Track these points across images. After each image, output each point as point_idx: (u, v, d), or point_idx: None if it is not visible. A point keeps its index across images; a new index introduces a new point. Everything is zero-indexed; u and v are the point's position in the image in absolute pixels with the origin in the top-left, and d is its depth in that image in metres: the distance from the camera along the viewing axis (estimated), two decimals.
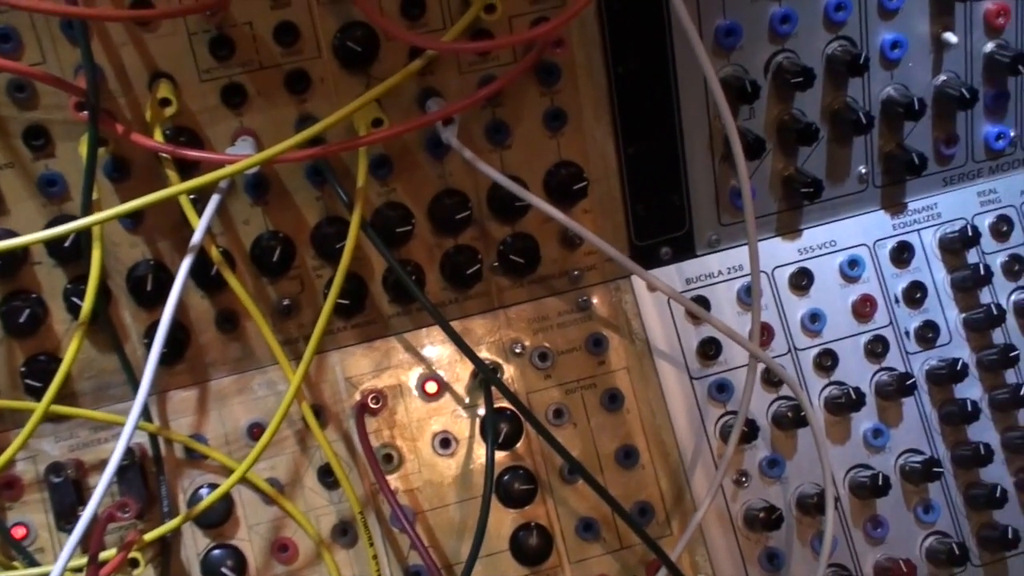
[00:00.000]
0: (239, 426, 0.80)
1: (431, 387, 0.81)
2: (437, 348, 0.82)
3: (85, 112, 0.68)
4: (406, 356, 0.82)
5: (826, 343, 0.86)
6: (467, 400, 0.82)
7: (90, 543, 0.67)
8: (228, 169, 0.69)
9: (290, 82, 0.76)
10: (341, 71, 0.76)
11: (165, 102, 0.72)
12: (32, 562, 0.75)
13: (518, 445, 0.81)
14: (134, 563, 0.72)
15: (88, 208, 0.70)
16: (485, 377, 0.78)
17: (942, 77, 0.87)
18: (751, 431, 0.81)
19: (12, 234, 0.74)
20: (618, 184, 0.83)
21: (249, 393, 0.81)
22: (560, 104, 0.81)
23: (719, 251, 0.86)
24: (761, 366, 0.81)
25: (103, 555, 0.71)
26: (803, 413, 0.80)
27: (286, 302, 0.79)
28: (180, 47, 0.74)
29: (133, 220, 0.76)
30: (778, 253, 0.86)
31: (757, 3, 0.82)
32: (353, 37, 0.75)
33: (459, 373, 0.82)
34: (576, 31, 0.80)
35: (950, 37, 0.85)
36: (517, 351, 0.83)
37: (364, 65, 0.76)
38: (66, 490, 0.75)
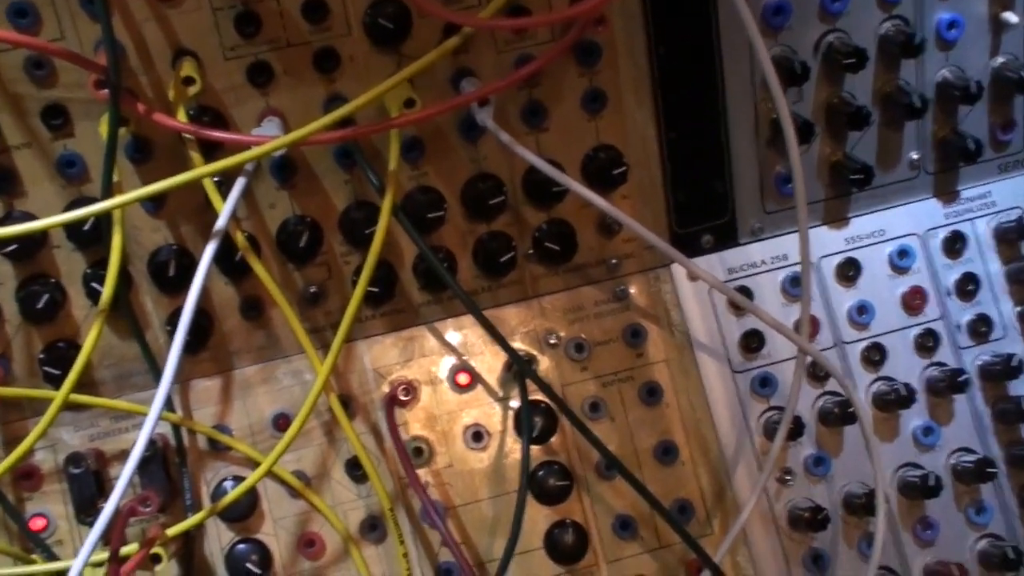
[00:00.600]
0: (264, 417, 0.77)
1: (463, 378, 0.79)
2: (469, 338, 0.79)
3: (105, 90, 0.65)
4: (437, 346, 0.79)
5: (874, 336, 0.82)
6: (500, 392, 0.79)
7: (111, 538, 0.65)
8: (254, 151, 0.66)
9: (318, 60, 0.73)
10: (372, 49, 0.73)
11: (189, 81, 0.69)
12: (51, 555, 0.73)
13: (553, 439, 0.78)
14: (156, 558, 0.69)
15: (108, 191, 0.67)
16: (519, 369, 0.75)
17: (1000, 59, 0.83)
18: (796, 428, 0.78)
19: (30, 217, 0.72)
20: (659, 169, 0.80)
21: (274, 383, 0.78)
22: (599, 85, 0.77)
23: (763, 240, 0.82)
24: (807, 360, 0.78)
25: (124, 550, 0.69)
26: (851, 409, 0.77)
27: (313, 289, 0.77)
28: (204, 23, 0.71)
29: (155, 203, 0.73)
30: (825, 242, 0.83)
31: None
32: (384, 13, 0.71)
33: (492, 364, 0.79)
34: (617, 9, 0.76)
35: (1010, 17, 0.81)
36: (552, 342, 0.80)
37: (396, 43, 0.73)
38: (86, 481, 0.73)
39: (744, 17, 0.70)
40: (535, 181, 0.77)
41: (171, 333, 0.75)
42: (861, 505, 0.78)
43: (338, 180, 0.76)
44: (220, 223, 0.68)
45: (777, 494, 0.79)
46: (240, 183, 0.69)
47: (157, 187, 0.65)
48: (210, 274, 0.71)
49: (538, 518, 0.78)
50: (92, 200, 0.71)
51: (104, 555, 0.67)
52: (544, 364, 0.79)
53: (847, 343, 0.82)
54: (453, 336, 0.80)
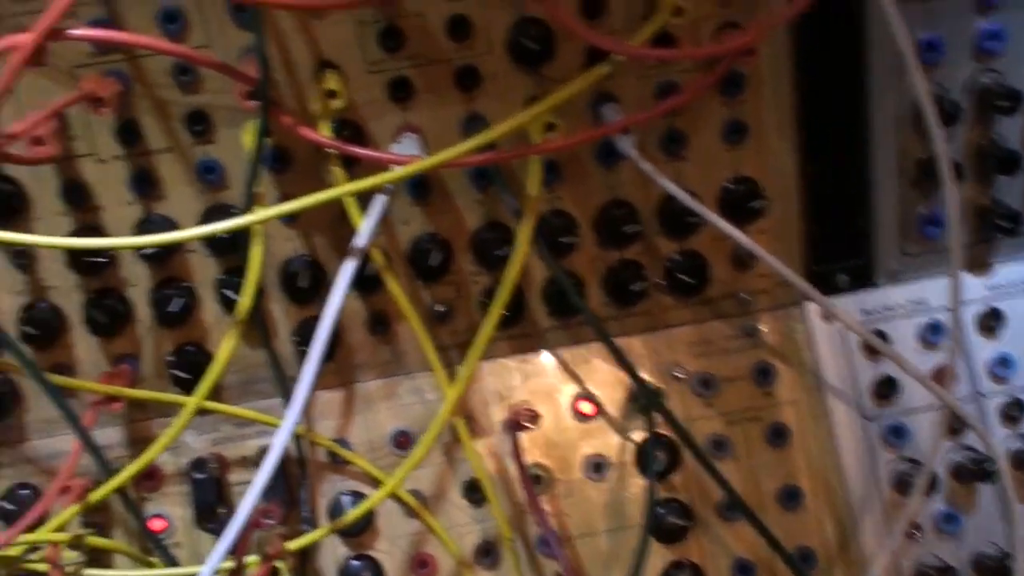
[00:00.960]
0: (384, 433, 0.77)
1: (585, 407, 0.77)
2: (594, 366, 0.78)
3: (255, 102, 0.66)
4: (561, 372, 0.78)
5: (1015, 391, 0.79)
6: (623, 424, 0.77)
7: (236, 550, 0.65)
8: (399, 172, 0.65)
9: (459, 78, 0.72)
10: (513, 69, 0.72)
11: (332, 94, 0.69)
12: (169, 559, 0.73)
13: (674, 476, 0.76)
14: (275, 572, 0.69)
15: (250, 202, 0.67)
16: (648, 401, 0.74)
17: None
18: (929, 482, 0.75)
19: (169, 220, 0.72)
20: (797, 204, 0.78)
21: (396, 399, 0.77)
22: (741, 116, 0.76)
23: (901, 283, 0.79)
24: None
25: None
26: (988, 466, 0.74)
27: (440, 307, 0.76)
28: (348, 36, 0.71)
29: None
30: (966, 290, 0.79)
31: (963, 16, 0.76)
32: (529, 34, 0.71)
33: (615, 394, 0.78)
34: (765, 40, 0.74)
35: None
36: (678, 375, 0.78)
37: (538, 64, 0.72)
38: (208, 487, 0.73)
39: (904, 51, 0.68)
40: (671, 211, 0.75)
41: (298, 343, 0.75)
42: (993, 568, 0.75)
43: (471, 199, 0.75)
44: (360, 241, 0.67)
45: (904, 549, 0.76)
46: (381, 202, 0.68)
47: (299, 204, 0.64)
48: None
49: (654, 557, 0.76)
50: (229, 206, 0.72)
51: (226, 564, 0.67)
52: (669, 398, 0.77)
53: (985, 396, 0.79)
54: (578, 363, 0.78)
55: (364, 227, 0.67)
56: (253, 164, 0.67)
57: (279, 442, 0.64)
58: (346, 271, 0.67)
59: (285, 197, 0.73)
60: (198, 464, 0.74)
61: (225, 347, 0.68)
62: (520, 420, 0.75)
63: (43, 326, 0.73)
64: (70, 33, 0.56)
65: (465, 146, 0.65)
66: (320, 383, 0.76)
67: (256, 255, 0.67)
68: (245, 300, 0.68)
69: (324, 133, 0.68)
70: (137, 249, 0.72)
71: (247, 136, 0.68)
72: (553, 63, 0.72)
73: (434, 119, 0.73)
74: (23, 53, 0.54)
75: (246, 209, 0.67)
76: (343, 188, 0.65)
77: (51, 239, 0.65)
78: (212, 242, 0.73)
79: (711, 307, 0.79)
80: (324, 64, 0.71)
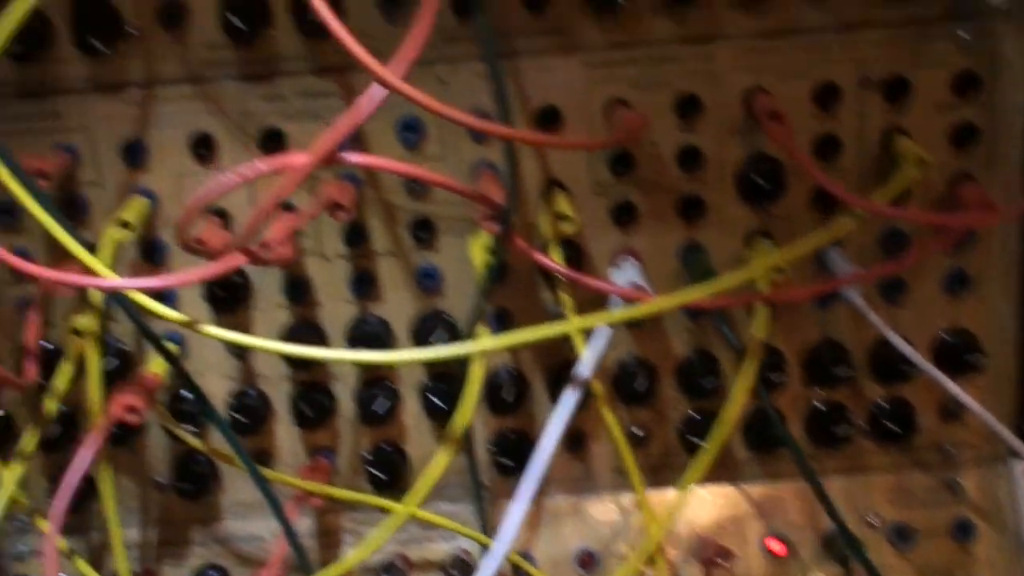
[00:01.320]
0: (568, 550, 0.76)
1: (775, 546, 0.76)
2: (787, 505, 0.77)
3: (495, 226, 0.65)
4: (753, 508, 0.77)
5: None
6: (814, 568, 0.76)
7: None
8: (628, 313, 0.64)
9: (683, 207, 0.72)
10: (738, 202, 0.72)
11: (563, 217, 0.69)
12: None
13: None
14: None
15: (475, 324, 0.67)
16: (849, 548, 0.72)
17: None
18: None
19: (383, 323, 0.73)
20: (1013, 361, 0.76)
21: (583, 517, 0.77)
22: (965, 267, 0.74)
23: None
24: None
25: None
26: None
27: (637, 431, 0.76)
28: (578, 157, 0.71)
29: (500, 326, 0.73)
30: None
31: None
32: (760, 171, 0.70)
33: (808, 537, 0.76)
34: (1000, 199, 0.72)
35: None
36: (872, 523, 0.76)
37: (765, 201, 0.71)
38: None
39: None
40: (885, 356, 0.74)
41: (493, 453, 0.75)
42: None
43: (681, 327, 0.74)
44: (584, 372, 0.67)
45: None
46: (605, 335, 0.67)
47: (525, 337, 0.63)
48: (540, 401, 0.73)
49: None
50: (443, 314, 0.73)
51: None
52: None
53: None
54: (771, 500, 0.77)
55: (587, 358, 0.67)
56: (483, 289, 0.66)
57: (492, 567, 0.64)
58: (567, 402, 0.66)
59: (499, 310, 0.73)
60: (390, 568, 0.74)
61: (439, 461, 0.68)
62: (714, 558, 0.74)
63: (251, 414, 0.74)
64: (346, 159, 0.56)
65: (699, 292, 0.64)
66: (510, 493, 0.77)
67: (476, 377, 0.67)
68: (461, 419, 0.67)
69: (555, 258, 0.68)
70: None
71: (475, 251, 0.68)
72: (780, 201, 0.71)
73: (653, 244, 0.73)
74: (296, 177, 0.54)
75: (470, 331, 0.67)
76: (572, 324, 0.65)
77: (269, 343, 0.64)
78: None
79: (913, 456, 0.77)
80: (551, 182, 0.71)
